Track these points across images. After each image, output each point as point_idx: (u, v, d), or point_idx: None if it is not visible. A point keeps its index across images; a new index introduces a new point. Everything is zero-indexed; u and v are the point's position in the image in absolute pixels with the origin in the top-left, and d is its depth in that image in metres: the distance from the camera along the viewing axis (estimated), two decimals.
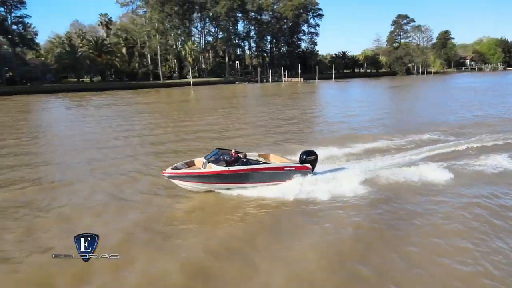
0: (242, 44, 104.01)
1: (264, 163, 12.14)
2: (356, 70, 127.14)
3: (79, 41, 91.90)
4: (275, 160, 12.63)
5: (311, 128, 25.94)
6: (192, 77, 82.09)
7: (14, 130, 25.96)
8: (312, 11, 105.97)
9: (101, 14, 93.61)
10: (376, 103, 42.05)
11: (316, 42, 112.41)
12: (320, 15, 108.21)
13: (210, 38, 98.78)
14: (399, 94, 56.80)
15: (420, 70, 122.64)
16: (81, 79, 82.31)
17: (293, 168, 11.84)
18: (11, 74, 75.72)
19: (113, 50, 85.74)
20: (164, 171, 11.21)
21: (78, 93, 64.92)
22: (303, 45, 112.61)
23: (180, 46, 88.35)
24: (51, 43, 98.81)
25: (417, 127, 22.40)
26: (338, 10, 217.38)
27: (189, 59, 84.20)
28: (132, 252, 7.78)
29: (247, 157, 11.94)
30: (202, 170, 11.28)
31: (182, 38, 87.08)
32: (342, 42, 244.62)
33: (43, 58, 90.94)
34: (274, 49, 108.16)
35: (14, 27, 73.84)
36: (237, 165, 11.31)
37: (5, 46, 76.36)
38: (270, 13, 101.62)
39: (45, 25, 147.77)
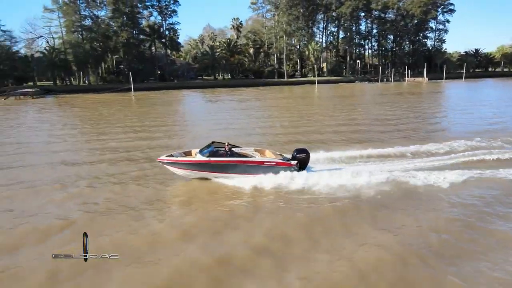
0: (363, 43, 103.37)
1: (249, 156, 12.91)
2: (490, 69, 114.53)
3: (211, 43, 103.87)
4: (268, 155, 13.23)
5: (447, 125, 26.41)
6: (314, 76, 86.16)
7: (174, 115, 33.03)
8: (442, 6, 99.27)
9: (233, 18, 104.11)
10: None
11: (444, 40, 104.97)
12: (451, 11, 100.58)
13: (331, 38, 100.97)
14: None
15: None
16: (215, 77, 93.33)
17: (274, 164, 12.37)
18: (160, 72, 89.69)
19: (242, 51, 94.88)
20: (159, 158, 12.81)
21: (216, 89, 73.97)
22: (429, 42, 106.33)
23: (303, 46, 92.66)
24: (189, 45, 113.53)
25: None
26: (469, 2, 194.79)
27: (312, 58, 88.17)
28: None
29: (236, 150, 13.09)
30: (187, 158, 12.58)
31: (306, 38, 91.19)
32: (472, 39, 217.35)
33: (182, 58, 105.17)
34: (396, 47, 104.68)
35: (167, 32, 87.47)
36: (220, 157, 12.41)
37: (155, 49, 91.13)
38: (395, 11, 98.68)
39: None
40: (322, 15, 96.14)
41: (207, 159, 12.26)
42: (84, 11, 76.04)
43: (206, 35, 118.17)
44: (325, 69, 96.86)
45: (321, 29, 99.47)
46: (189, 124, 29.67)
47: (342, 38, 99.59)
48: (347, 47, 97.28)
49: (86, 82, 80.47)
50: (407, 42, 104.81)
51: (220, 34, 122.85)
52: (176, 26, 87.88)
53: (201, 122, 30.07)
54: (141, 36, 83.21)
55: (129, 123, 29.51)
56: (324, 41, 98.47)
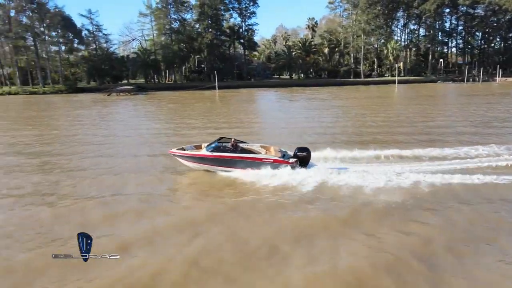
0: (447, 40, 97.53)
1: (255, 152, 13.84)
2: None
3: (284, 43, 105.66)
4: (273, 152, 14.05)
5: None
6: (391, 76, 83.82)
7: (263, 112, 34.97)
8: None
9: (309, 18, 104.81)
10: None
11: None
12: None
13: (410, 36, 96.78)
14: None
15: None
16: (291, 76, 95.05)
17: (271, 161, 13.13)
18: (237, 71, 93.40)
19: (317, 50, 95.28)
20: (170, 150, 14.33)
21: (293, 88, 75.02)
22: None
23: (381, 45, 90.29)
24: (263, 45, 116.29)
25: None
26: None
27: (390, 57, 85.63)
28: None
29: (242, 146, 14.15)
30: (192, 152, 13.87)
31: (384, 37, 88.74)
32: None
33: (255, 58, 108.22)
34: (485, 45, 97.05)
35: (245, 33, 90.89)
36: (222, 152, 13.48)
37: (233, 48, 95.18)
38: (485, 6, 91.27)
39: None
40: (402, 13, 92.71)
41: (209, 153, 13.49)
42: (173, 15, 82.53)
43: (279, 35, 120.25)
44: (401, 68, 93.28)
45: (400, 27, 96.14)
46: (281, 121, 30.45)
47: (423, 36, 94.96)
48: (429, 46, 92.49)
49: (172, 80, 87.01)
50: (498, 40, 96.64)
51: (293, 34, 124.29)
52: (254, 27, 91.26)
53: (291, 120, 30.62)
54: (222, 37, 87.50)
55: (227, 118, 32.24)
56: (404, 39, 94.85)
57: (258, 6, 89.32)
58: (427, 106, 38.64)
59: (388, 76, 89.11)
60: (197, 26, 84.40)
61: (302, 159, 13.50)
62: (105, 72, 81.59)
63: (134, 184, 13.44)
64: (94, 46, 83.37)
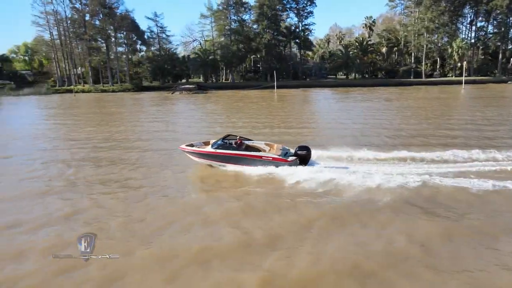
0: None
1: (261, 149, 14.67)
2: None
3: (339, 42, 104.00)
4: (275, 149, 14.66)
5: None
6: (455, 76, 79.55)
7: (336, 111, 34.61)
8: None
9: (366, 17, 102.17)
10: None
11: None
12: None
13: (478, 34, 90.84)
14: None
15: None
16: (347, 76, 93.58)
17: (270, 159, 13.65)
18: (292, 71, 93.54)
19: (374, 50, 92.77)
20: (180, 146, 15.29)
21: (351, 88, 73.37)
22: None
23: (445, 44, 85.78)
24: (317, 45, 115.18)
25: None
26: None
27: (455, 57, 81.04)
28: None
29: (247, 143, 15.10)
30: (199, 148, 14.69)
31: (448, 35, 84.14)
32: None
33: (309, 57, 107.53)
34: None
35: (301, 33, 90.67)
36: (226, 149, 14.18)
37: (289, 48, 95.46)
38: None
39: None
40: (469, 9, 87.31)
41: (213, 150, 14.26)
42: (233, 16, 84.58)
43: (333, 35, 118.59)
44: (465, 68, 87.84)
45: (466, 25, 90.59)
46: (350, 121, 29.15)
47: (492, 33, 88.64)
48: (499, 44, 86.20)
49: (229, 79, 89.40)
50: None
51: (347, 33, 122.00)
52: (311, 27, 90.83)
53: (362, 120, 29.62)
54: (279, 37, 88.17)
55: (293, 117, 32.68)
56: (471, 37, 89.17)
57: (316, 6, 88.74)
58: (506, 108, 36.46)
59: (452, 76, 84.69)
60: (255, 26, 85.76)
61: (303, 157, 13.94)
62: (168, 71, 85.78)
63: (232, 180, 13.89)
64: (157, 47, 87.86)
